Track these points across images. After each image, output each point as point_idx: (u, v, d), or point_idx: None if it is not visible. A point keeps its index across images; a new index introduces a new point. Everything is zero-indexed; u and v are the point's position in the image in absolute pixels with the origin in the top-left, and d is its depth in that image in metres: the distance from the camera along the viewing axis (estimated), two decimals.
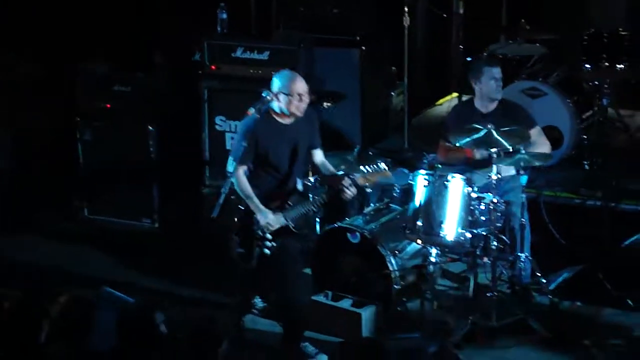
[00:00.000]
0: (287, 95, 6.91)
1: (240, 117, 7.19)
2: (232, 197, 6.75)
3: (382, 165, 6.97)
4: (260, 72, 8.60)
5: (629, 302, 7.68)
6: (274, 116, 6.99)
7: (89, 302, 5.94)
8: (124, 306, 6.30)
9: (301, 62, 8.62)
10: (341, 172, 7.14)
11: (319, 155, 7.21)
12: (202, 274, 8.35)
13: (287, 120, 7.01)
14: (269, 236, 6.94)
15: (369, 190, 8.13)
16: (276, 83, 6.98)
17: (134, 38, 9.77)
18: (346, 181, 6.94)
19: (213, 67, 8.94)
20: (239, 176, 6.94)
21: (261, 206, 6.92)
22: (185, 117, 9.30)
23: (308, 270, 7.99)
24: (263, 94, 6.96)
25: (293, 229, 7.00)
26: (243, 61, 8.86)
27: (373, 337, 7.29)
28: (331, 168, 7.22)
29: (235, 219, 6.85)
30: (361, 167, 7.01)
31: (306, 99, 6.96)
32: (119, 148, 9.29)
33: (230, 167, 6.91)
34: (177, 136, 9.38)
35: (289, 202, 7.01)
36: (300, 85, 6.95)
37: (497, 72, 7.83)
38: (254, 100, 7.04)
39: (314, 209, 7.14)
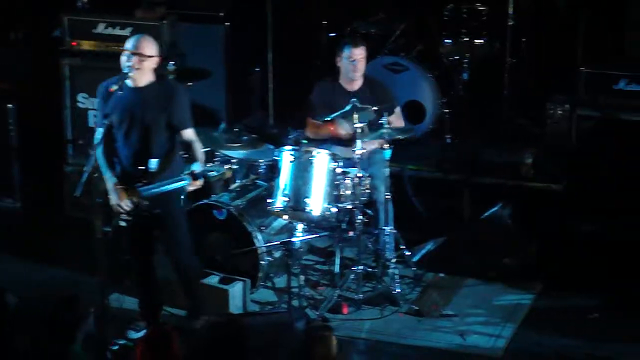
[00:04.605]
0: (125, 53, 6.84)
1: None
2: (95, 175, 6.65)
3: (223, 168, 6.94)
4: (123, 48, 8.48)
5: (489, 272, 7.89)
6: (126, 80, 6.88)
7: None
8: None
9: (164, 38, 8.54)
10: (191, 168, 6.81)
11: (186, 135, 6.98)
12: (65, 252, 8.24)
13: (132, 83, 6.86)
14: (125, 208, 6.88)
15: (235, 166, 8.13)
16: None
17: None
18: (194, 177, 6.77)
19: (74, 43, 8.78)
20: (98, 147, 6.86)
21: (110, 184, 6.84)
22: (46, 95, 9.12)
23: None
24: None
25: (144, 209, 6.88)
26: (105, 37, 8.73)
27: (233, 314, 7.29)
28: (197, 154, 6.95)
29: (97, 199, 6.71)
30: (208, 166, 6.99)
31: (145, 59, 6.80)
32: None
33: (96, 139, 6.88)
34: (38, 114, 9.20)
35: (143, 181, 6.80)
36: (133, 44, 6.85)
37: (357, 52, 7.85)
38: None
39: (171, 189, 6.86)
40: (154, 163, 6.82)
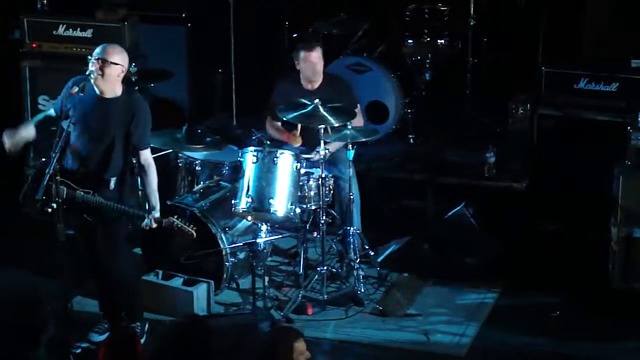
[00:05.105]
0: (90, 59, 6.79)
1: None
2: (57, 177, 6.60)
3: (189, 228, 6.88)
4: (84, 50, 8.44)
5: (453, 272, 7.92)
6: (93, 83, 6.81)
7: None
8: None
9: (126, 39, 8.51)
10: (153, 214, 6.86)
11: (143, 156, 6.91)
12: (27, 255, 8.19)
13: (98, 90, 6.79)
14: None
15: (198, 167, 8.11)
16: None
17: None
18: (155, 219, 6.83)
19: (34, 45, 8.73)
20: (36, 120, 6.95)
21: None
22: (7, 97, 9.05)
23: (138, 250, 7.92)
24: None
25: (86, 217, 6.82)
26: (65, 39, 8.69)
27: (197, 315, 7.26)
28: (151, 189, 6.90)
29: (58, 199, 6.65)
30: (174, 218, 6.88)
31: (107, 65, 6.73)
32: None
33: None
34: None
35: (93, 191, 6.78)
36: (99, 50, 6.80)
37: (315, 56, 7.86)
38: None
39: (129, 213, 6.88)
40: (112, 181, 6.83)
